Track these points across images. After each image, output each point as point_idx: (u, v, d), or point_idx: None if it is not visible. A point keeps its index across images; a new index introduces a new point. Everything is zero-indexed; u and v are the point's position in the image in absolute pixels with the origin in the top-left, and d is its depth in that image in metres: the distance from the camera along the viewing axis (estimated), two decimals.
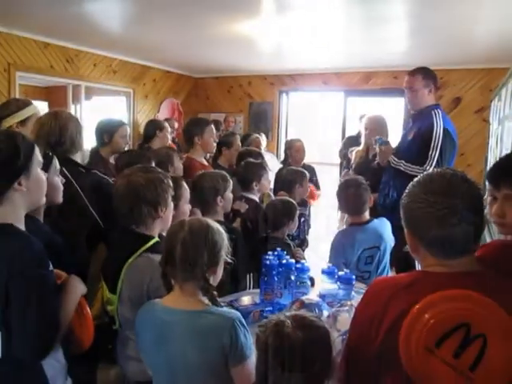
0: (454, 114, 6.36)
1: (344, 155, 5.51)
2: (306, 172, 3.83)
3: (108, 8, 4.50)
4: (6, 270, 1.37)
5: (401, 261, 3.03)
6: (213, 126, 3.95)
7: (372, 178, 3.44)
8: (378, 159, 3.59)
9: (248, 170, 3.33)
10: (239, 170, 3.41)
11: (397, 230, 3.19)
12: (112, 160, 3.43)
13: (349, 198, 2.91)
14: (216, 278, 1.62)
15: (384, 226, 2.97)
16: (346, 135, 6.85)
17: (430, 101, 3.45)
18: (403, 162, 3.32)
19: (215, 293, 1.56)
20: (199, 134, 3.78)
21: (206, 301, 1.56)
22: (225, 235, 1.63)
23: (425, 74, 3.44)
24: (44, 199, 1.64)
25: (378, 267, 2.90)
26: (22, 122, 2.77)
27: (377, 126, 4.03)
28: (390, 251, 2.95)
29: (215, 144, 3.93)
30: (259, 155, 3.99)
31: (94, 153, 3.45)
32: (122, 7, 4.58)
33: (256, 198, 3.30)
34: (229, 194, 2.75)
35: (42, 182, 1.60)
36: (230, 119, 7.87)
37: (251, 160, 3.52)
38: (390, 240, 2.95)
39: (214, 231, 1.59)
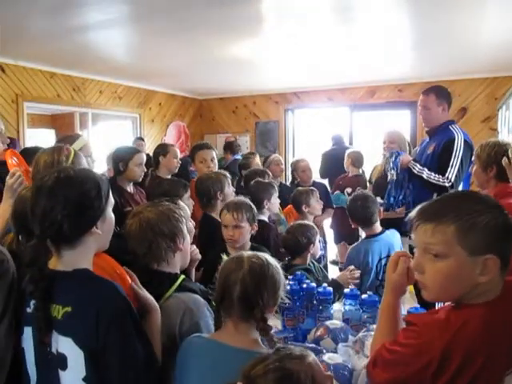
0: (461, 124, 6.31)
1: None
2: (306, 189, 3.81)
3: (111, 36, 4.56)
4: (97, 318, 1.31)
5: None
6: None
7: None
8: (390, 175, 3.57)
9: (259, 189, 3.32)
10: (250, 191, 3.40)
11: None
12: (129, 188, 3.41)
13: (357, 210, 3.08)
14: (271, 314, 1.56)
15: (394, 236, 3.19)
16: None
17: (443, 118, 3.48)
18: (426, 170, 3.33)
19: (273, 333, 1.50)
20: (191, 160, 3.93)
21: (260, 339, 1.49)
22: (281, 270, 1.57)
23: (438, 92, 3.47)
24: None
25: None
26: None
27: (397, 140, 4.02)
28: None
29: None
30: (264, 173, 3.97)
31: (110, 181, 3.44)
32: (125, 35, 4.65)
33: (265, 217, 3.27)
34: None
35: (113, 223, 1.52)
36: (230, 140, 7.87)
37: (260, 180, 3.51)
38: (399, 249, 3.13)
39: (274, 268, 1.53)
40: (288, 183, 5.48)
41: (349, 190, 4.98)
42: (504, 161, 2.38)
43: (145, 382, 1.38)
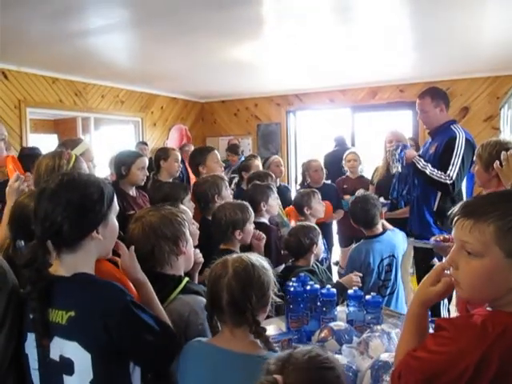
0: (463, 123, 6.30)
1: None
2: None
3: (112, 41, 4.58)
4: (104, 320, 1.32)
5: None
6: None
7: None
8: (395, 168, 3.56)
9: (254, 192, 3.32)
10: (247, 194, 3.40)
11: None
12: (131, 192, 3.41)
13: (358, 212, 3.15)
14: (265, 315, 1.56)
15: (396, 236, 3.22)
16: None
17: (443, 118, 3.48)
18: (430, 165, 3.34)
19: (267, 335, 1.49)
20: (202, 162, 3.91)
21: (259, 341, 1.49)
22: (270, 270, 1.56)
23: (433, 94, 3.48)
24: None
25: (396, 275, 3.10)
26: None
27: (401, 139, 4.03)
28: (401, 259, 3.20)
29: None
30: (267, 175, 3.99)
31: (112, 185, 3.44)
32: (126, 39, 4.66)
33: (265, 220, 3.27)
34: (249, 227, 2.69)
35: (116, 230, 1.52)
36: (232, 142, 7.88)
37: (257, 182, 3.52)
38: (402, 249, 3.20)
39: (260, 269, 1.51)
40: (297, 185, 5.48)
41: (361, 191, 4.83)
42: (496, 164, 2.38)
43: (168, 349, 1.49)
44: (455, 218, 1.15)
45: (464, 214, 1.13)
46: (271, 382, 1.14)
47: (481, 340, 1.05)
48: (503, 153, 2.37)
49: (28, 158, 2.95)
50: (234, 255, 1.58)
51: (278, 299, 1.59)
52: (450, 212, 1.20)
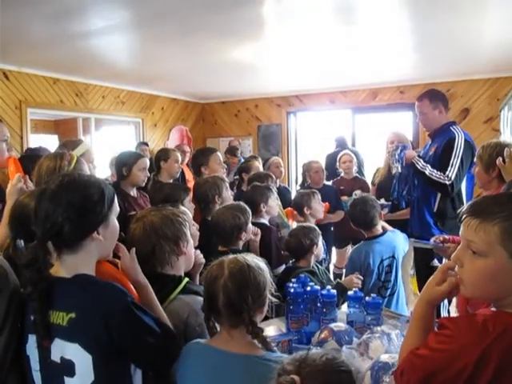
0: (463, 125, 6.32)
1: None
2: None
3: (113, 42, 4.59)
4: (105, 321, 1.32)
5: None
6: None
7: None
8: (395, 168, 3.56)
9: (254, 193, 3.33)
10: (247, 195, 3.42)
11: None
12: (132, 193, 3.42)
13: (357, 214, 3.16)
14: (262, 315, 1.56)
15: (397, 237, 3.22)
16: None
17: (442, 120, 3.50)
18: (429, 166, 3.36)
19: (265, 335, 1.50)
20: (205, 163, 3.94)
21: (256, 342, 1.49)
22: (266, 270, 1.56)
23: (431, 96, 3.50)
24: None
25: (396, 276, 3.11)
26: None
27: (403, 139, 4.04)
28: (401, 260, 3.20)
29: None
30: (267, 176, 4.00)
31: (113, 186, 3.45)
32: (126, 40, 4.67)
33: (265, 221, 3.28)
34: (250, 225, 2.73)
35: (117, 231, 1.52)
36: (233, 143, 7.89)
37: (257, 183, 3.53)
38: (402, 250, 3.20)
39: (255, 270, 1.52)
40: (297, 185, 5.48)
41: (358, 191, 4.79)
42: (498, 161, 2.38)
43: (168, 351, 1.49)
44: (463, 217, 1.16)
45: (471, 213, 1.14)
46: (290, 382, 1.15)
47: (481, 339, 1.05)
48: (506, 149, 2.39)
49: (27, 159, 2.95)
50: (230, 256, 1.59)
51: (274, 299, 1.59)
52: (458, 211, 1.21)
